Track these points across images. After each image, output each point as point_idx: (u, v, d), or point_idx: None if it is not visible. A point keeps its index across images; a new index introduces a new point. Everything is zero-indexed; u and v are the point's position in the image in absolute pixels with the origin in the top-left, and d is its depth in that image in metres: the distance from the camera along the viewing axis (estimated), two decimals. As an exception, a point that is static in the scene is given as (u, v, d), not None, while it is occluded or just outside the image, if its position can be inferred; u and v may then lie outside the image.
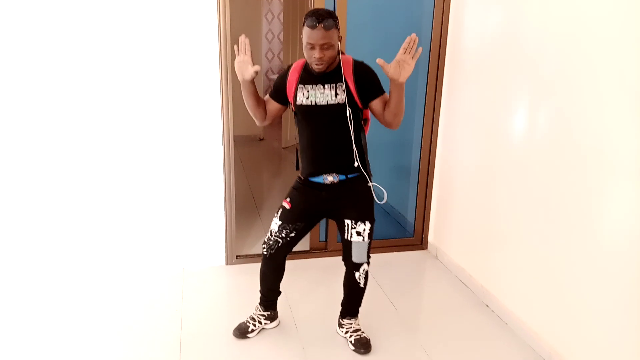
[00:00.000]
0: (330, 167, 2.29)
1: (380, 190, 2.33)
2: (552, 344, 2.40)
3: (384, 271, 3.29)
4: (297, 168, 2.40)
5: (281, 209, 2.39)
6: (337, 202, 2.33)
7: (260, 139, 6.81)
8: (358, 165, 2.26)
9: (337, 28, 2.08)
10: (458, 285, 3.16)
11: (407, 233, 3.78)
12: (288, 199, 2.39)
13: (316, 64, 2.10)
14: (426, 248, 3.66)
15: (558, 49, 2.29)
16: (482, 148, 2.95)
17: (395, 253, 3.58)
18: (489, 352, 2.52)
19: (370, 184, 2.31)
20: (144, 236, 3.16)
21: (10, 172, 2.88)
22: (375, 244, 3.56)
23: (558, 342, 2.37)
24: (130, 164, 3.02)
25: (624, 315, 2.01)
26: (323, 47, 2.05)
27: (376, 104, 2.23)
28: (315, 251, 3.47)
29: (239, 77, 2.21)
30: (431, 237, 3.63)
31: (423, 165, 3.53)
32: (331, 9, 3.09)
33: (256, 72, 2.17)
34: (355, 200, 2.32)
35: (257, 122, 2.40)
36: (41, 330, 2.58)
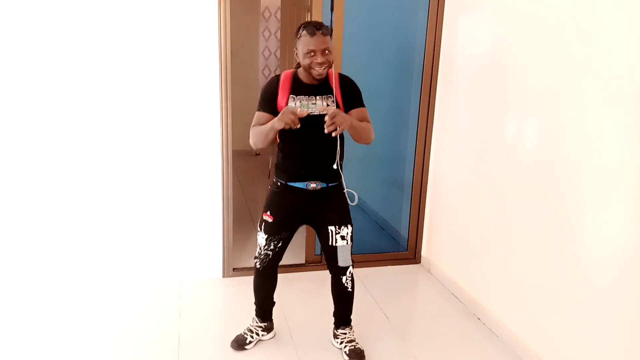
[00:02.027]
0: (315, 174, 2.38)
1: (351, 193, 2.44)
2: (540, 353, 2.47)
3: (378, 284, 3.35)
4: (269, 177, 2.48)
5: (264, 223, 2.46)
6: (317, 208, 2.42)
7: (257, 154, 6.91)
8: (337, 170, 2.36)
9: (331, 36, 2.21)
10: (449, 297, 3.23)
11: (400, 247, 3.84)
12: (268, 212, 2.44)
13: (318, 68, 2.20)
14: (419, 262, 3.73)
15: (545, 62, 2.39)
16: (474, 163, 3.04)
17: (389, 267, 3.65)
18: (479, 363, 2.58)
19: (345, 190, 2.43)
20: (142, 248, 3.21)
21: (3, 181, 2.95)
22: (370, 258, 3.64)
23: (546, 352, 2.43)
24: (128, 177, 3.09)
25: (612, 324, 2.07)
26: (324, 52, 2.18)
27: (354, 112, 2.35)
28: (311, 264, 3.53)
29: (281, 124, 2.15)
30: (424, 251, 3.70)
31: (416, 180, 3.61)
32: (328, 24, 3.21)
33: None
34: (335, 206, 2.43)
35: (263, 147, 2.35)
36: (38, 341, 2.62)
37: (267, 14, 7.09)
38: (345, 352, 2.54)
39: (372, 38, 3.75)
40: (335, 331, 2.63)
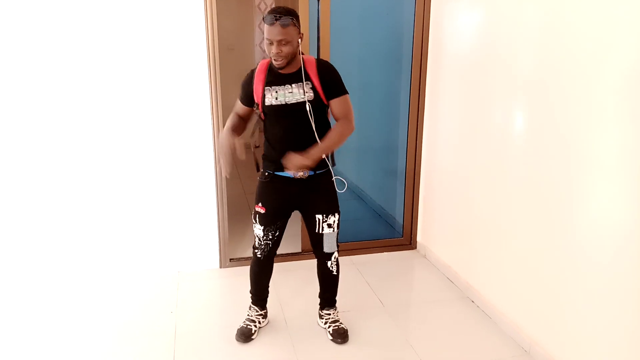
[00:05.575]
0: None
1: (341, 181, 2.45)
2: (533, 335, 2.50)
3: (373, 270, 3.39)
4: (258, 170, 2.50)
5: (257, 215, 2.48)
6: (306, 196, 2.44)
7: (256, 146, 6.94)
8: (324, 160, 2.36)
9: (296, 26, 2.17)
10: (444, 281, 3.26)
11: (396, 233, 3.88)
12: (260, 204, 2.47)
13: (275, 59, 2.19)
14: (415, 247, 3.76)
15: (534, 48, 2.39)
16: (465, 149, 3.06)
17: (385, 253, 3.69)
18: (472, 344, 2.61)
19: (333, 178, 2.43)
20: (139, 240, 3.27)
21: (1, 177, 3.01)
22: (367, 245, 3.68)
23: (538, 333, 2.47)
24: (124, 171, 3.14)
25: (603, 304, 2.08)
26: (280, 43, 2.14)
27: (335, 103, 2.32)
28: (306, 253, 3.57)
29: (225, 149, 2.31)
30: (419, 237, 3.73)
31: (409, 168, 3.64)
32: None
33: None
34: (323, 195, 2.44)
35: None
36: (36, 332, 2.68)
37: (262, 6, 7.10)
38: (329, 332, 2.60)
39: (361, 27, 3.76)
40: (320, 312, 2.69)
